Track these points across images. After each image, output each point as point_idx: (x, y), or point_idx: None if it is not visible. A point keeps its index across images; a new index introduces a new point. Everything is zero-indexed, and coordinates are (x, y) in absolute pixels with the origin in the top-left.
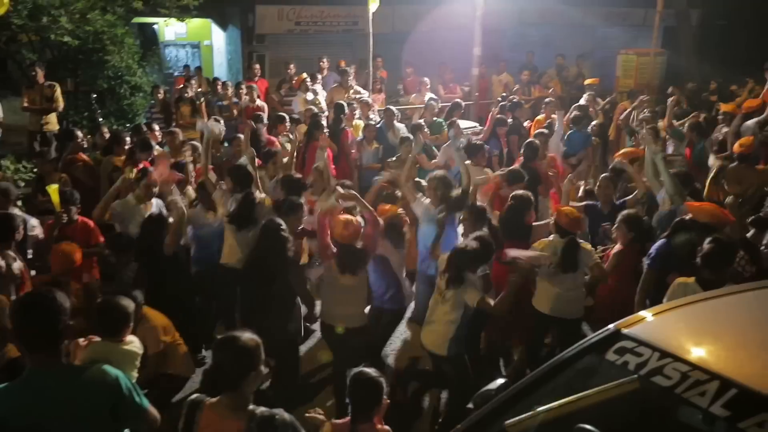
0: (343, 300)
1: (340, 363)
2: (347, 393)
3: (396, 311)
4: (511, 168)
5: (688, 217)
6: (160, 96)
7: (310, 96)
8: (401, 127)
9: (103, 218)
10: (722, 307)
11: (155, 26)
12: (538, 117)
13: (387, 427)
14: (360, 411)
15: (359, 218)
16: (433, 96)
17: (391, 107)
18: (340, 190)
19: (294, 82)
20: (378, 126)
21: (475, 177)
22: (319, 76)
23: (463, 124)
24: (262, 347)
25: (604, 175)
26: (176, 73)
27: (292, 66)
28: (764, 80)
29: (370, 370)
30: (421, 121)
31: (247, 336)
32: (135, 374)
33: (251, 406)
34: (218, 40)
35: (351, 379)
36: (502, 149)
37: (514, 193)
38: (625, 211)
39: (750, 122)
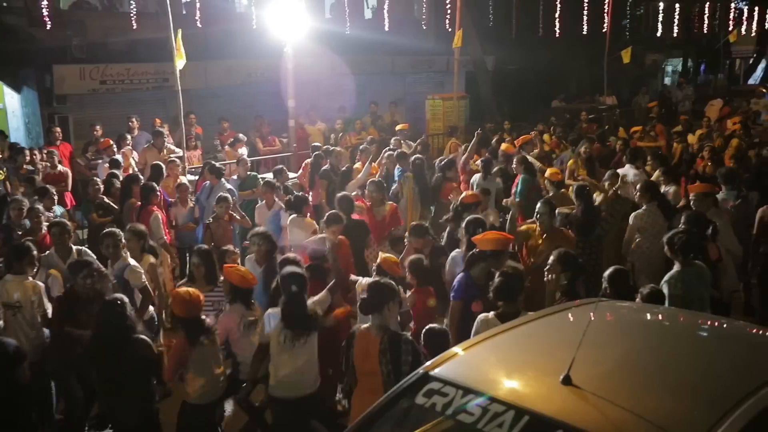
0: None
1: None
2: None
3: None
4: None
5: (477, 249)
6: None
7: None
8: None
9: None
10: (517, 338)
11: None
12: (356, 165)
13: None
14: None
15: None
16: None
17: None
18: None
19: (100, 144)
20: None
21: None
22: (129, 137)
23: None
24: (399, 287)
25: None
26: None
27: (98, 127)
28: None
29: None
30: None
31: (387, 279)
32: None
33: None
34: (12, 102)
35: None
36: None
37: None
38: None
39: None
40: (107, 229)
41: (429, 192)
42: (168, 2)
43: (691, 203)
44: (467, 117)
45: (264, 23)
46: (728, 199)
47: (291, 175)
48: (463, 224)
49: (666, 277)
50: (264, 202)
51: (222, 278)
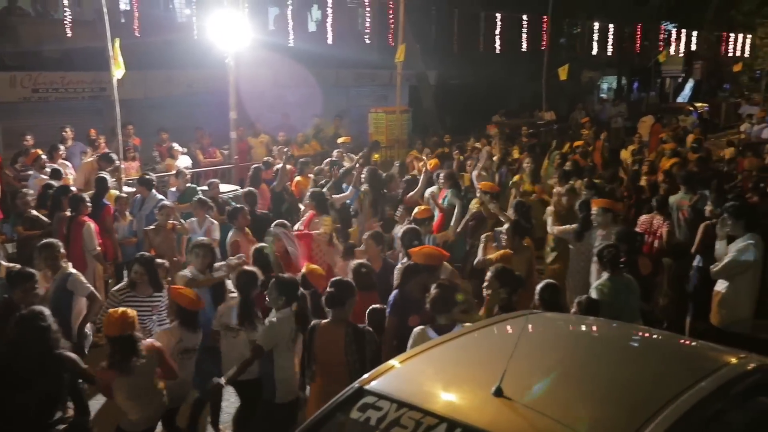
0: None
1: None
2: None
3: None
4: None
5: (411, 262)
6: None
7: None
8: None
9: None
10: (451, 350)
11: None
12: (297, 178)
13: None
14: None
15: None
16: (188, 160)
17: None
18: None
19: (28, 157)
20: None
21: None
22: (62, 147)
23: (224, 187)
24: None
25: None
26: None
27: (29, 137)
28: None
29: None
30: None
31: (347, 280)
32: None
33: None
34: None
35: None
36: None
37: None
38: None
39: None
40: (45, 241)
41: (382, 201)
42: (105, 10)
43: (593, 218)
44: (410, 130)
45: (205, 34)
46: (685, 199)
47: (230, 187)
48: (399, 235)
49: (595, 284)
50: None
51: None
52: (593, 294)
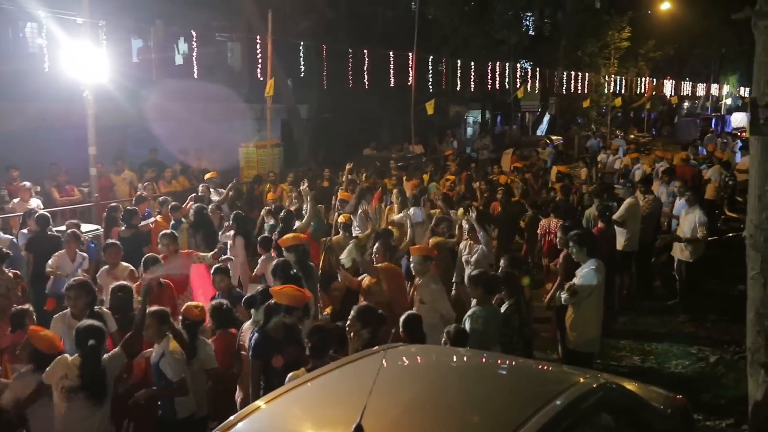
0: None
1: None
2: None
3: None
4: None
5: (273, 301)
6: None
7: None
8: (6, 239)
9: None
10: (315, 389)
11: None
12: (157, 217)
13: None
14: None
15: None
16: (38, 203)
17: None
18: None
19: None
20: None
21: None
22: None
23: (84, 227)
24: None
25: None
26: None
27: None
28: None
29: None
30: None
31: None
32: None
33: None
34: None
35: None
36: None
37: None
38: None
39: None
40: None
41: (212, 237)
42: None
43: (411, 266)
44: (281, 164)
45: (58, 65)
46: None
47: (90, 227)
48: (270, 268)
49: (468, 313)
50: (65, 251)
51: None
52: (467, 323)
